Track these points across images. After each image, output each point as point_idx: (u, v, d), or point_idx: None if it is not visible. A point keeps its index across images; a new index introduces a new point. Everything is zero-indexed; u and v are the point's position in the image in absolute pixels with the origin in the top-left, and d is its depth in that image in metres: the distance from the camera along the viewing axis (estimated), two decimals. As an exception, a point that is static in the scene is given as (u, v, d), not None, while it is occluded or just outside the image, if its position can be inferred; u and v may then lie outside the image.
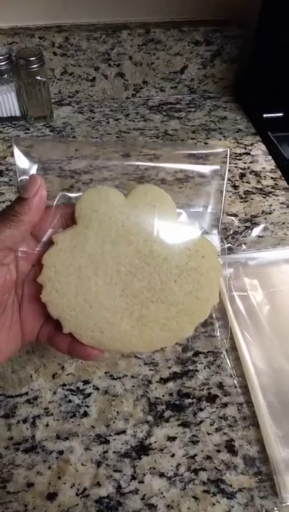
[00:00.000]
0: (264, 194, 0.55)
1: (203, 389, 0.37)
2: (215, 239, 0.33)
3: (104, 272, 0.29)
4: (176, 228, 0.31)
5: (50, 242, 0.29)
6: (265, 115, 0.67)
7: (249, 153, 0.62)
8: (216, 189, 0.34)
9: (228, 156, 0.33)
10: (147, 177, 0.36)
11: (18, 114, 0.63)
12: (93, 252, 0.29)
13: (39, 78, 0.59)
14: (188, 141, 0.64)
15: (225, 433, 0.35)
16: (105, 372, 0.38)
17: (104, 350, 0.31)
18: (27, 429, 0.34)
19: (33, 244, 0.30)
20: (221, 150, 0.34)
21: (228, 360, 0.39)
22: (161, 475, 0.32)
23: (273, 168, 0.60)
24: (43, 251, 0.29)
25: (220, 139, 0.64)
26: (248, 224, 0.51)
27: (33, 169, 0.31)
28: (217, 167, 0.33)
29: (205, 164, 0.33)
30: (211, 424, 0.35)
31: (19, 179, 0.30)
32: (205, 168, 0.33)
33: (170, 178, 0.52)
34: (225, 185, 0.34)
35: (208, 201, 0.34)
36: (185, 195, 0.33)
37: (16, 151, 0.30)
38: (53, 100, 0.67)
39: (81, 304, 0.29)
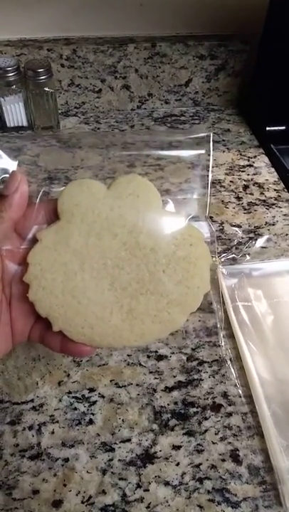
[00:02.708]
0: (267, 206, 0.56)
1: (207, 398, 0.37)
2: (203, 225, 0.32)
3: (91, 266, 0.29)
4: (161, 217, 0.30)
5: (35, 240, 0.29)
6: (268, 128, 0.68)
7: (252, 166, 0.63)
8: (202, 174, 0.33)
9: (211, 140, 0.33)
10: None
11: (25, 124, 0.64)
12: (78, 247, 0.29)
13: (47, 89, 0.60)
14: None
15: (229, 442, 0.35)
16: (110, 381, 0.38)
17: (97, 347, 0.30)
18: (33, 436, 0.34)
19: (17, 242, 0.29)
20: (204, 134, 0.33)
21: (232, 369, 0.39)
22: (166, 483, 0.33)
23: (276, 180, 0.60)
24: (28, 249, 0.29)
25: (223, 151, 0.65)
26: (251, 235, 0.52)
27: (14, 166, 0.30)
28: (202, 151, 0.33)
29: (190, 149, 0.33)
30: (215, 434, 0.35)
31: (0, 177, 0.29)
32: (190, 153, 0.33)
33: (175, 189, 0.53)
34: (210, 168, 0.33)
35: (194, 187, 0.33)
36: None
37: None
38: (59, 111, 0.68)
39: (69, 301, 0.29)
